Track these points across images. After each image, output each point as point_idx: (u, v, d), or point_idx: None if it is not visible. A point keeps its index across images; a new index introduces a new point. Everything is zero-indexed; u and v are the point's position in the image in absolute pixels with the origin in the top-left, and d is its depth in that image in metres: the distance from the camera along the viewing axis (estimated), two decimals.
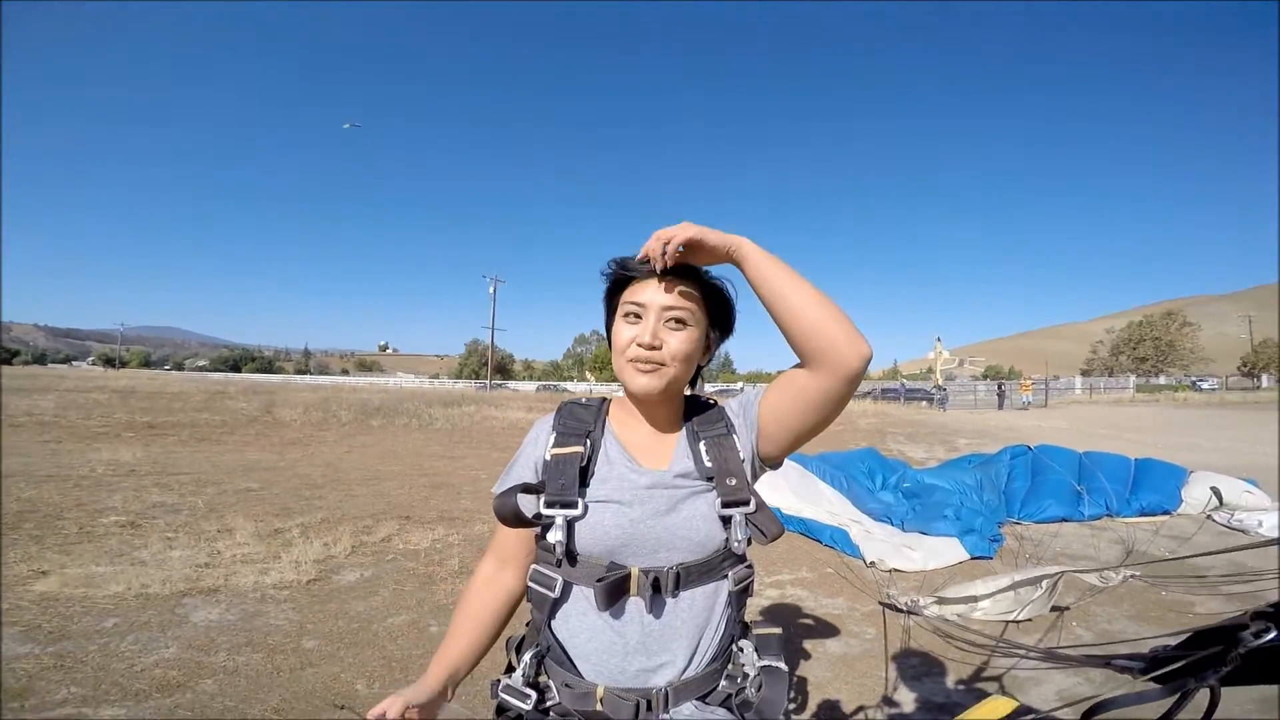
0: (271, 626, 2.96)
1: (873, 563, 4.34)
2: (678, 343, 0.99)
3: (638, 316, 0.99)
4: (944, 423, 15.24)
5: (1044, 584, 3.41)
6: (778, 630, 1.13)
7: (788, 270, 0.96)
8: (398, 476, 7.48)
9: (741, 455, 1.05)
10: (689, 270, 1.02)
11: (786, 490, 5.67)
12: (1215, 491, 5.48)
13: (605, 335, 1.15)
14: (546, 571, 0.99)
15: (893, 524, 5.09)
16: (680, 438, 1.08)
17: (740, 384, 46.89)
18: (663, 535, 0.98)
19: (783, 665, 1.07)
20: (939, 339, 40.39)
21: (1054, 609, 3.42)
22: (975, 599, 3.39)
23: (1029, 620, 3.36)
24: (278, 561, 3.87)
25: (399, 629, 3.05)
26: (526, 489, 0.98)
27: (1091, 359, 65.03)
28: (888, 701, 2.53)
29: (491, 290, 46.68)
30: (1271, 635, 0.67)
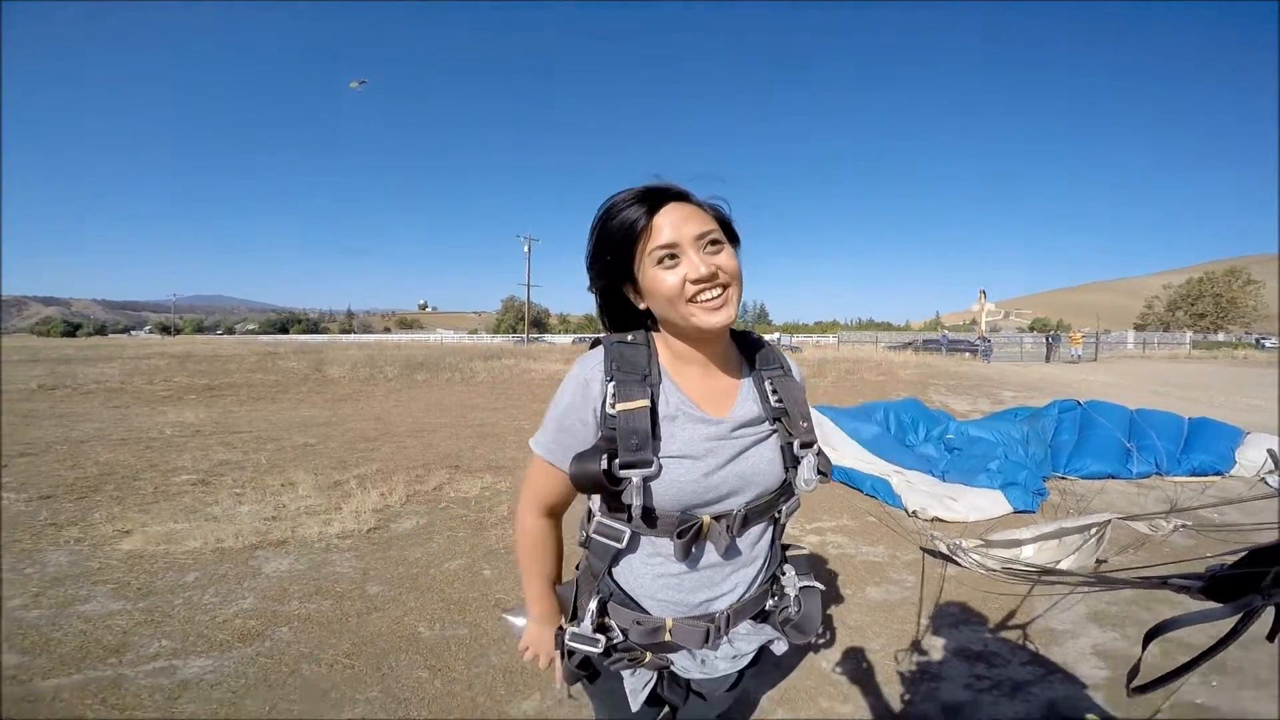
0: (338, 574, 3.12)
1: (914, 512, 4.32)
2: (727, 260, 0.96)
3: (673, 257, 0.94)
4: (988, 375, 14.74)
5: (1091, 531, 3.34)
6: (806, 550, 1.21)
7: None
8: (445, 428, 7.70)
9: (804, 395, 1.09)
10: (687, 196, 0.99)
11: (824, 439, 5.59)
12: (1272, 454, 5.22)
13: (605, 307, 1.10)
14: (614, 525, 0.99)
15: (934, 475, 5.03)
16: (744, 380, 1.07)
17: (776, 334, 46.14)
18: (735, 483, 1.00)
19: (818, 584, 1.15)
20: (983, 291, 38.69)
21: (1097, 561, 3.32)
22: (1019, 543, 3.35)
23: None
24: (339, 512, 4.05)
25: (455, 573, 3.19)
26: (599, 449, 0.94)
27: (1146, 314, 62.29)
28: (919, 647, 2.56)
29: (526, 249, 46.82)
30: None
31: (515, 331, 60.94)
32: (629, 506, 0.92)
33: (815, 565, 1.14)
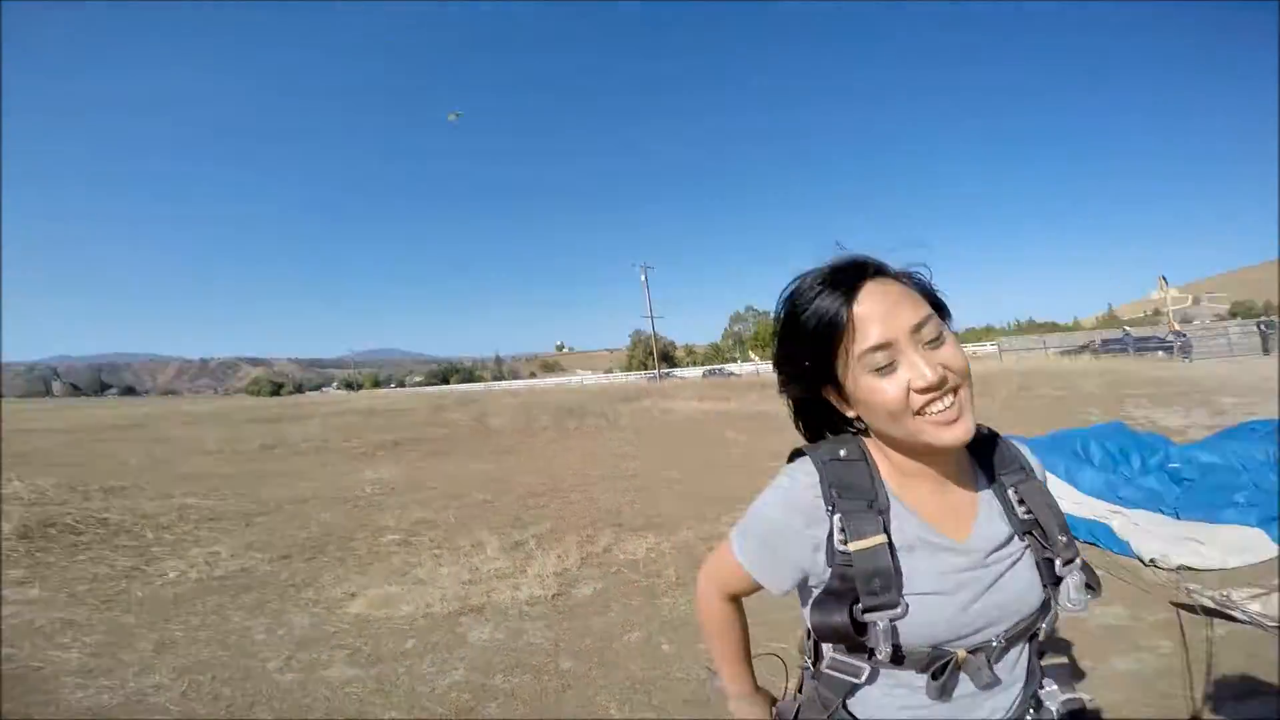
0: (533, 646, 3.31)
1: (1152, 560, 3.74)
2: (952, 356, 0.81)
3: (889, 360, 0.79)
4: (1194, 378, 12.57)
5: None
6: (1063, 659, 1.04)
7: None
8: (602, 481, 7.99)
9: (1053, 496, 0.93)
10: (886, 271, 0.85)
11: None
12: None
13: (798, 415, 0.99)
14: (852, 661, 0.88)
15: (1164, 513, 4.35)
16: (983, 492, 0.92)
17: None
18: (992, 614, 0.86)
19: (1083, 696, 0.97)
20: (1163, 277, 31.65)
21: None
22: None
23: None
24: (524, 576, 4.31)
25: (636, 647, 3.25)
26: (838, 594, 0.84)
27: None
28: None
29: (643, 278, 47.85)
30: None
31: (645, 367, 62.45)
32: (873, 649, 0.82)
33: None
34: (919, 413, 0.79)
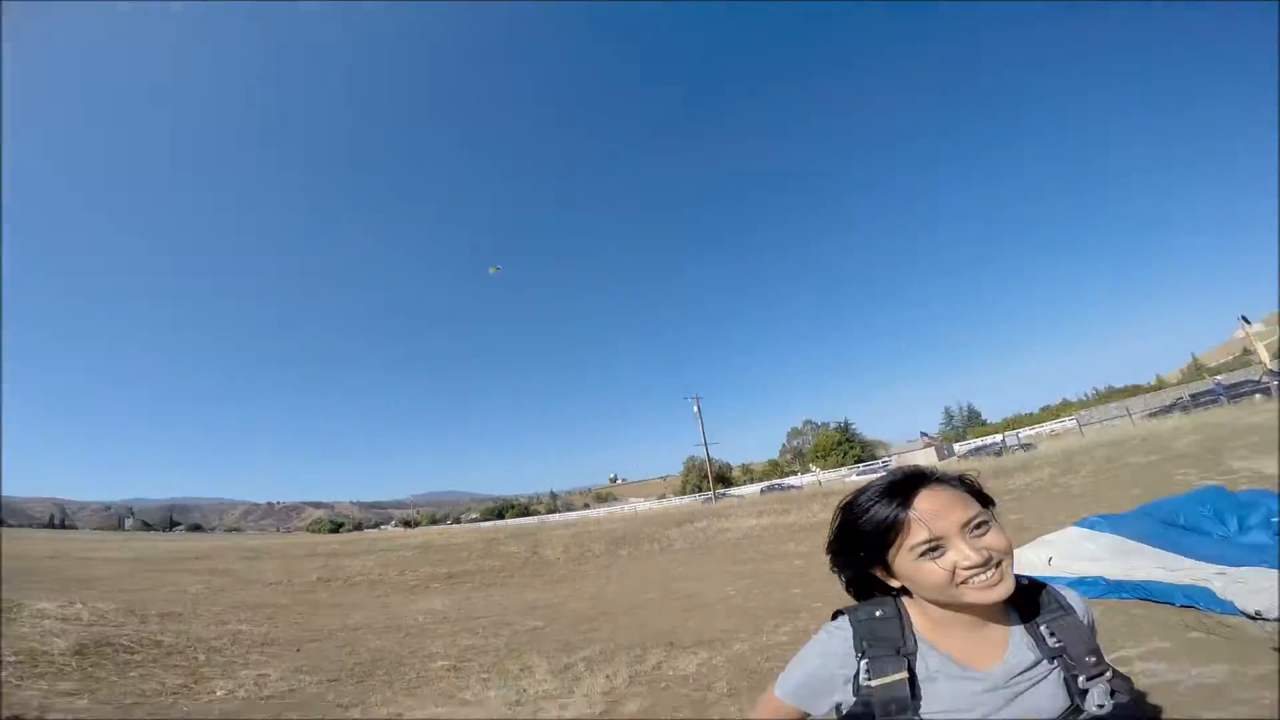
0: None
1: (1258, 612, 3.40)
2: (996, 539, 0.94)
3: (937, 549, 0.94)
4: None
5: None
6: None
7: None
8: (654, 603, 7.75)
9: (1087, 626, 1.03)
10: (938, 478, 1.00)
11: (1101, 555, 4.69)
12: None
13: (852, 587, 1.13)
14: None
15: (1270, 566, 3.88)
16: (1014, 628, 1.02)
17: (1000, 435, 39.58)
18: None
19: None
20: (1243, 316, 29.49)
21: None
22: None
23: None
24: (571, 696, 4.20)
25: None
26: (854, 715, 0.98)
27: None
28: None
29: (696, 410, 48.21)
30: None
31: (700, 489, 60.68)
32: None
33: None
34: (962, 584, 0.93)
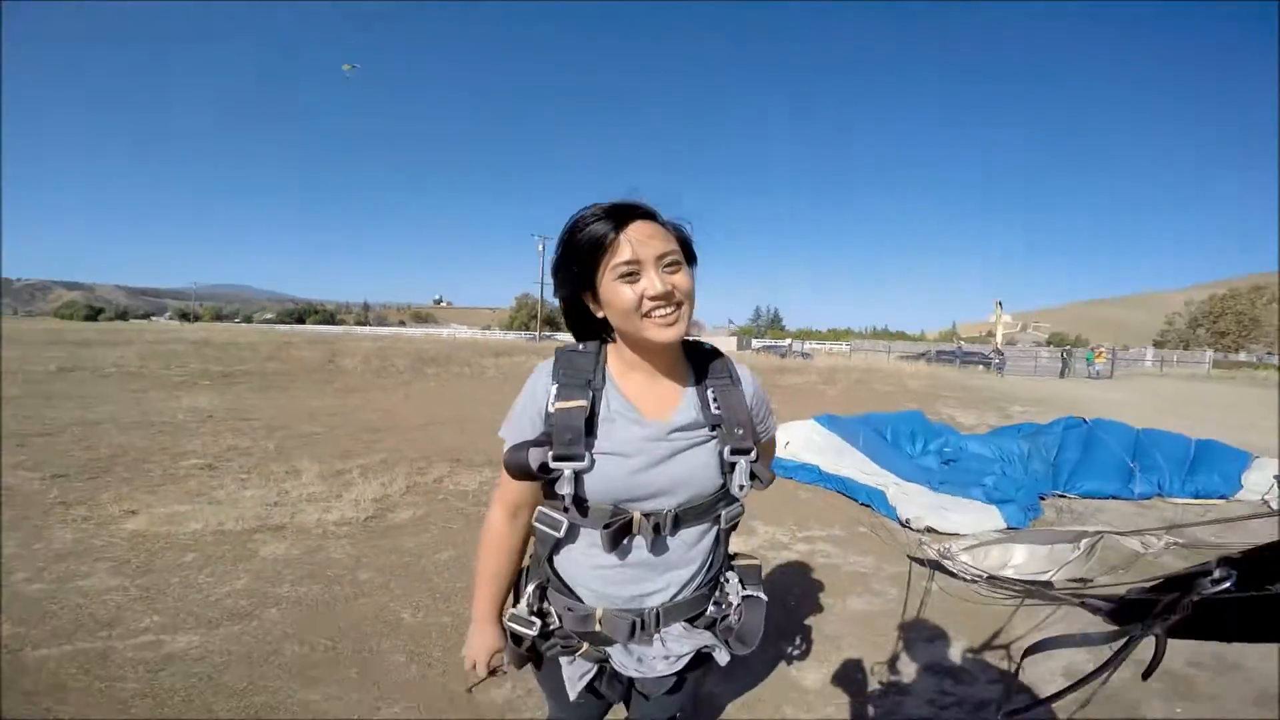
0: (331, 560, 3.21)
1: (907, 521, 4.31)
2: (683, 281, 1.01)
3: (633, 274, 0.99)
4: (1000, 389, 14.72)
5: (1082, 544, 3.30)
6: (757, 561, 1.23)
7: None
8: (451, 422, 7.80)
9: (750, 405, 1.13)
10: (654, 216, 1.04)
11: (825, 448, 5.65)
12: (1279, 480, 5.12)
13: (568, 313, 1.15)
14: (552, 514, 1.07)
15: (930, 487, 4.98)
16: (688, 388, 1.12)
17: (788, 340, 45.64)
18: (664, 484, 1.04)
19: (762, 595, 1.18)
20: (999, 302, 38.25)
21: (1082, 579, 3.27)
22: (1010, 546, 3.31)
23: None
24: (339, 500, 4.14)
25: (445, 564, 3.26)
26: (535, 443, 1.01)
27: (1166, 331, 59.61)
28: (894, 662, 2.57)
29: (540, 248, 46.88)
30: (1228, 584, 0.62)
31: (528, 329, 61.20)
32: (563, 497, 1.00)
33: (764, 579, 1.19)
34: (646, 315, 0.99)
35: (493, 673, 1.18)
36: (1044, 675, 2.42)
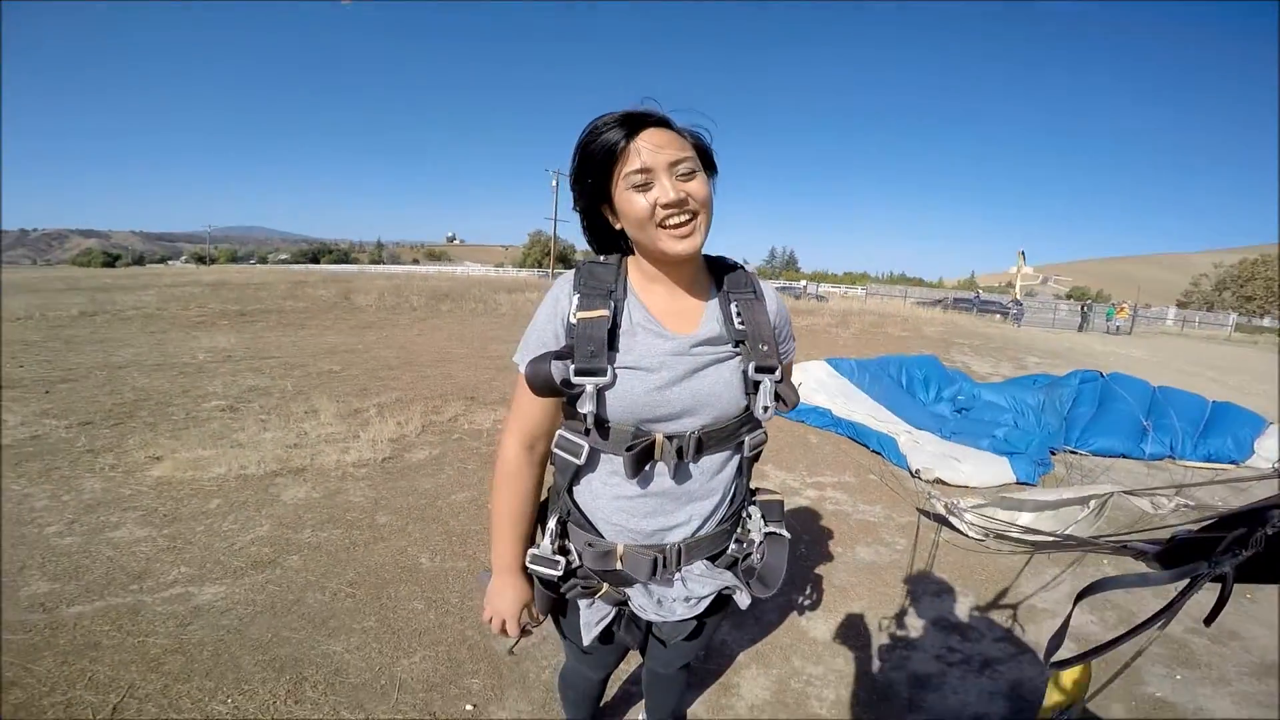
0: (350, 503, 3.26)
1: (917, 471, 4.28)
2: (698, 188, 0.96)
3: (646, 183, 0.94)
4: (1016, 339, 14.35)
5: (1091, 503, 3.25)
6: (779, 496, 1.19)
7: None
8: (465, 359, 7.83)
9: (773, 323, 1.07)
10: (668, 122, 0.98)
11: (836, 391, 5.60)
12: None
13: (586, 227, 1.10)
14: (573, 439, 1.03)
15: (941, 436, 4.95)
16: (711, 302, 1.07)
17: (803, 282, 44.89)
18: (688, 401, 1.00)
19: (785, 533, 1.15)
20: (1022, 252, 37.19)
21: (1093, 537, 3.23)
22: (1020, 505, 3.29)
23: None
24: (356, 440, 4.19)
25: (461, 505, 3.31)
26: (558, 355, 0.96)
27: (1191, 291, 57.70)
28: (904, 616, 2.58)
29: (554, 183, 45.58)
30: None
31: (541, 266, 60.68)
32: (584, 416, 0.95)
33: (786, 514, 1.15)
34: (661, 225, 0.95)
35: (525, 631, 1.13)
36: (1048, 633, 2.40)
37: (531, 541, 1.12)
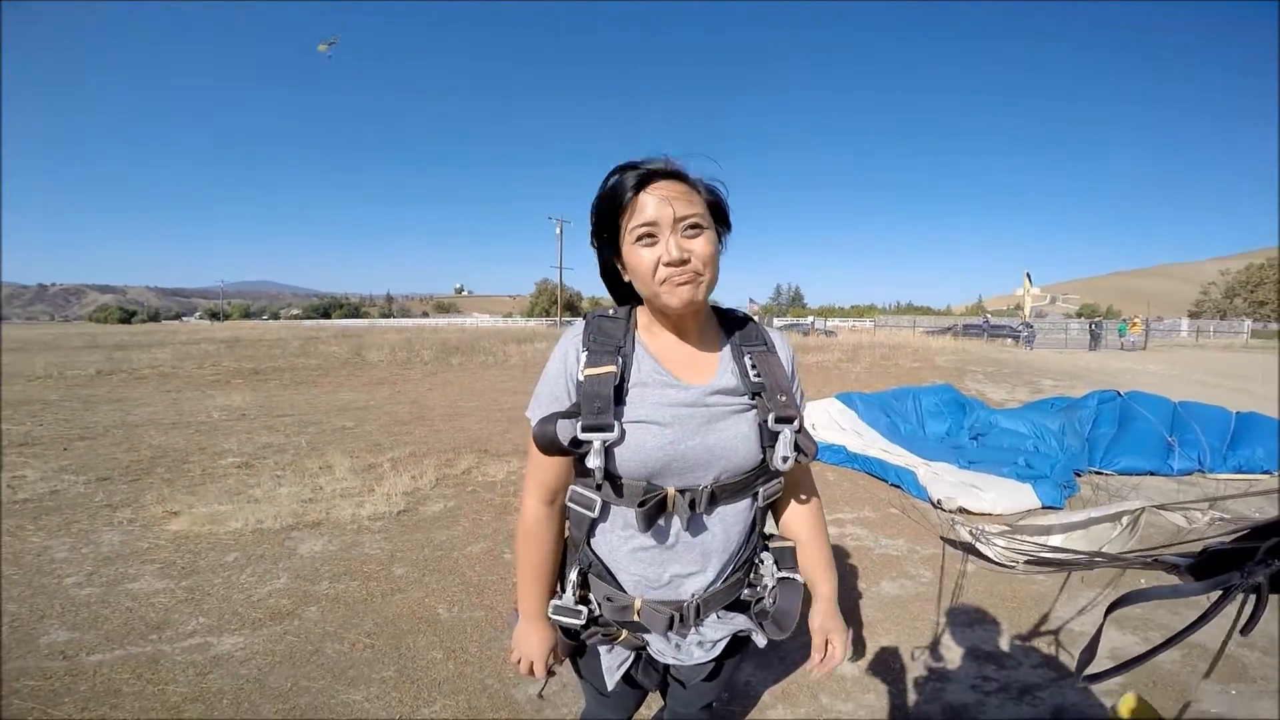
0: (366, 555, 3.26)
1: (939, 501, 4.23)
2: (702, 247, 0.95)
3: (652, 237, 0.94)
4: (1029, 362, 14.40)
5: (1123, 520, 3.21)
6: (792, 543, 1.17)
7: None
8: (476, 412, 7.88)
9: (787, 371, 1.08)
10: (680, 175, 0.98)
11: (848, 427, 5.60)
12: None
13: (604, 278, 1.11)
14: (585, 493, 1.02)
15: (960, 466, 4.90)
16: (724, 353, 1.07)
17: (810, 318, 45.31)
18: (701, 455, 0.99)
19: (798, 577, 1.14)
20: (1028, 274, 36.96)
21: (1118, 555, 3.18)
22: (1048, 530, 3.24)
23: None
24: (371, 495, 4.21)
25: (477, 556, 3.30)
26: (566, 415, 0.96)
27: (1202, 300, 57.29)
28: (935, 648, 2.53)
29: (558, 231, 46.61)
30: None
31: (549, 314, 61.42)
32: (594, 471, 0.94)
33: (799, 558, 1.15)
34: (663, 281, 0.95)
35: (550, 672, 1.16)
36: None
37: (555, 589, 1.13)
